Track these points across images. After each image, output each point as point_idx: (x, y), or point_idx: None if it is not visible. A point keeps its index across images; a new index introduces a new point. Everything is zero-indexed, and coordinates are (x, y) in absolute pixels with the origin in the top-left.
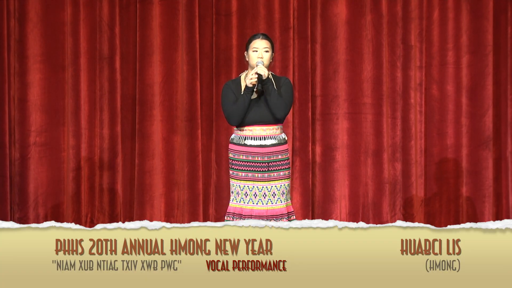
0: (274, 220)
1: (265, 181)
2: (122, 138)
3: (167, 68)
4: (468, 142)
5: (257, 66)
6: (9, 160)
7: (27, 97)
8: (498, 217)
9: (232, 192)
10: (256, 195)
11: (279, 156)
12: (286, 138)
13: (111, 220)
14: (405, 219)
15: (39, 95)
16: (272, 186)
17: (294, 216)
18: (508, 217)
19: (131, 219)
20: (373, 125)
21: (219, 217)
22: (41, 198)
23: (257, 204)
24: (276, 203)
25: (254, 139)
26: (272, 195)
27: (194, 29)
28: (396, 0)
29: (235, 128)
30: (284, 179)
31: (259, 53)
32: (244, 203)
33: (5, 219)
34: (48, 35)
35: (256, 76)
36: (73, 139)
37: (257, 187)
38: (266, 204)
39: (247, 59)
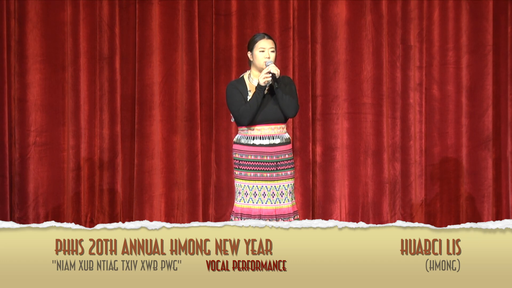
0: (282, 219)
1: (274, 180)
2: (122, 138)
3: (166, 68)
4: (468, 142)
5: (267, 65)
6: (9, 160)
7: (27, 97)
8: (498, 217)
9: (240, 193)
10: (265, 195)
11: (286, 156)
12: (289, 138)
13: (111, 220)
14: (405, 219)
15: (39, 95)
16: (280, 186)
17: (298, 216)
18: (508, 217)
19: (130, 219)
20: (373, 125)
21: (219, 217)
22: (41, 198)
23: (265, 203)
24: (284, 202)
25: (263, 139)
26: (280, 194)
27: (193, 29)
28: (396, 0)
29: (240, 129)
30: (291, 178)
31: (266, 53)
32: (253, 203)
33: (5, 219)
34: (48, 35)
35: (270, 75)
36: (73, 139)
37: (265, 186)
38: (274, 203)
39: (251, 59)
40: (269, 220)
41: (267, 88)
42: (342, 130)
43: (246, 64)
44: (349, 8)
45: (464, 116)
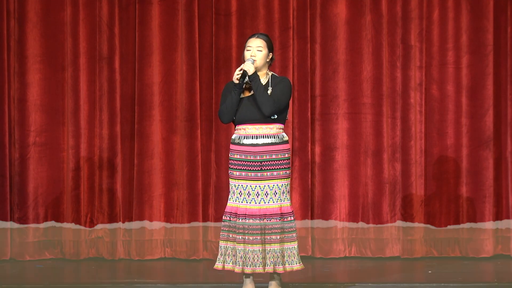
0: (266, 219)
1: (258, 180)
2: (122, 138)
3: (166, 68)
4: (468, 142)
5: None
6: (9, 160)
7: (26, 97)
8: (498, 217)
9: (229, 192)
10: (250, 194)
11: (273, 156)
12: (284, 138)
13: (110, 220)
14: (405, 219)
15: (39, 95)
16: (264, 186)
17: (291, 217)
18: (508, 217)
19: (130, 219)
20: (372, 125)
21: (219, 217)
22: (41, 198)
23: (250, 203)
24: (268, 202)
25: (247, 138)
26: (265, 194)
27: (193, 29)
28: (396, 0)
29: (234, 128)
30: (278, 179)
31: (252, 52)
32: (239, 202)
33: (4, 219)
34: (47, 35)
35: (241, 72)
36: (72, 139)
37: (250, 186)
38: (259, 203)
39: (243, 59)
40: (253, 220)
41: (238, 85)
42: (342, 130)
43: None
44: (349, 8)
45: (464, 116)
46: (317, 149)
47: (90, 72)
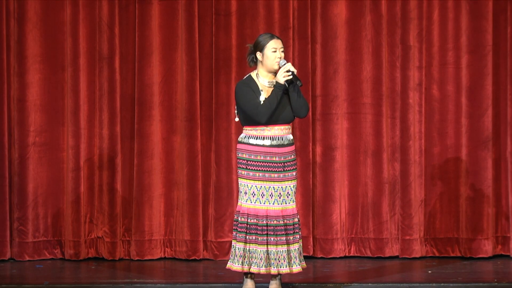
0: (287, 220)
1: (281, 181)
2: (122, 138)
3: (166, 68)
4: (468, 142)
5: (281, 65)
6: (8, 160)
7: (26, 97)
8: (497, 217)
9: (246, 193)
10: (272, 195)
11: (292, 156)
12: (293, 139)
13: (110, 220)
14: (404, 219)
15: (39, 95)
16: (286, 186)
17: (298, 217)
18: (507, 217)
19: (130, 219)
20: (372, 125)
21: (219, 217)
22: (41, 198)
23: (273, 204)
24: (289, 203)
25: (273, 139)
26: (287, 195)
27: (193, 29)
28: (396, 0)
29: (248, 128)
30: (296, 179)
31: (278, 53)
32: (260, 203)
33: (4, 219)
34: (47, 35)
35: (290, 73)
36: (72, 139)
37: (273, 187)
38: (281, 204)
39: (260, 60)
40: (277, 221)
41: (299, 85)
42: (342, 130)
43: (246, 64)
44: (349, 8)
45: (463, 116)
46: (318, 149)
47: (90, 72)
